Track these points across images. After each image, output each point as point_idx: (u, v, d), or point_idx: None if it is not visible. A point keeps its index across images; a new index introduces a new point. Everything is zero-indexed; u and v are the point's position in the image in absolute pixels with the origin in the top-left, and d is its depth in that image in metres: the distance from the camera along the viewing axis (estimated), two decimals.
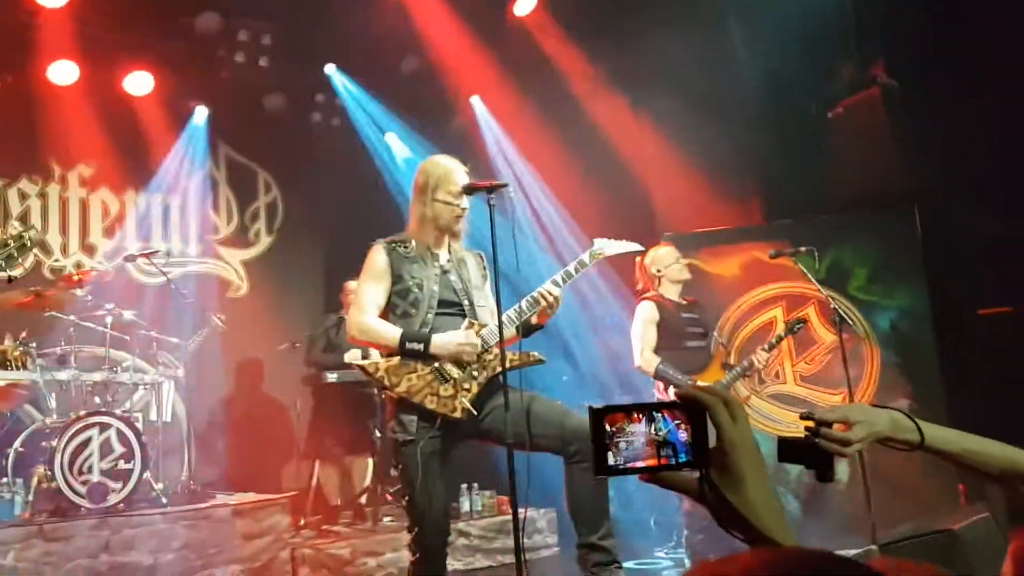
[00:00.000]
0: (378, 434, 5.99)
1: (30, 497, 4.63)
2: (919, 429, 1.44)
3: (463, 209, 3.48)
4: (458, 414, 3.27)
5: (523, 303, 3.40)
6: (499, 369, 3.27)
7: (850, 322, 4.81)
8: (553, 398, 3.54)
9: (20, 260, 2.90)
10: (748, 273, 6.27)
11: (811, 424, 1.38)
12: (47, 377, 5.05)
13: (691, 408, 0.99)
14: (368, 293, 3.41)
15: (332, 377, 6.03)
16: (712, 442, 0.99)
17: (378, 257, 3.45)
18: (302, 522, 5.81)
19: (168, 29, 6.66)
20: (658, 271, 5.08)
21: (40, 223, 6.65)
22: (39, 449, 4.76)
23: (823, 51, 6.22)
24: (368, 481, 6.15)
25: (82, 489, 4.59)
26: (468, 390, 3.31)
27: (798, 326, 5.16)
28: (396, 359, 3.31)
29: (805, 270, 4.85)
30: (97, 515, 4.57)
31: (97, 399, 5.20)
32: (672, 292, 5.07)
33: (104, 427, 4.74)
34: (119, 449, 4.74)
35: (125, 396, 5.43)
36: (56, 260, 6.70)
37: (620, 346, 6.12)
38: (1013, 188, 5.40)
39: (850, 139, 6.25)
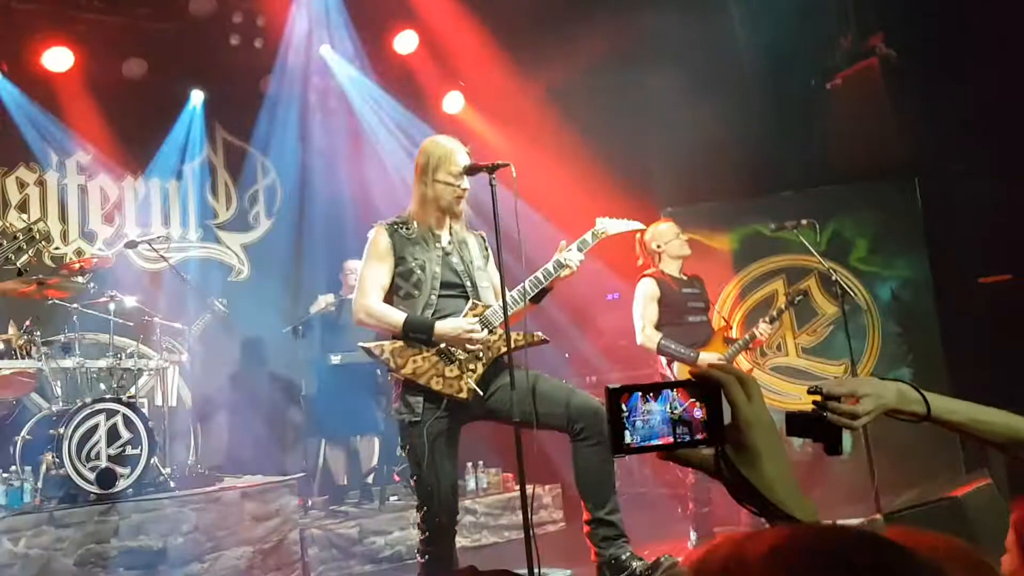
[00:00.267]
0: (382, 415, 6.03)
1: (39, 484, 4.66)
2: (925, 400, 1.45)
3: (464, 189, 3.49)
4: (464, 395, 3.29)
5: (540, 274, 3.42)
6: (503, 350, 3.30)
7: (852, 293, 4.82)
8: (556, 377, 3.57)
9: (29, 252, 2.92)
10: (748, 247, 6.28)
11: (819, 398, 1.39)
12: (52, 365, 5.06)
13: (706, 386, 1.01)
14: (372, 275, 3.43)
15: (336, 358, 6.05)
16: (727, 419, 1.00)
17: (380, 239, 3.46)
18: (309, 503, 5.86)
19: (162, 13, 6.61)
20: (658, 247, 5.08)
21: (39, 211, 6.64)
22: (46, 436, 4.78)
23: (821, 23, 6.20)
24: (375, 461, 6.19)
25: (90, 475, 4.61)
26: (473, 371, 3.33)
27: (798, 298, 5.18)
28: (401, 342, 3.33)
29: (806, 243, 4.86)
30: (106, 501, 4.60)
31: (102, 386, 5.22)
32: (673, 268, 5.07)
33: (111, 413, 4.76)
34: (126, 435, 4.76)
35: (130, 382, 5.44)
36: (56, 248, 6.69)
37: (620, 322, 6.14)
38: (1012, 156, 5.40)
39: (849, 110, 6.23)
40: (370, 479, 6.16)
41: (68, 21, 6.30)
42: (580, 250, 3.51)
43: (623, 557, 3.25)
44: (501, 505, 5.94)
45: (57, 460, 4.59)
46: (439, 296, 3.40)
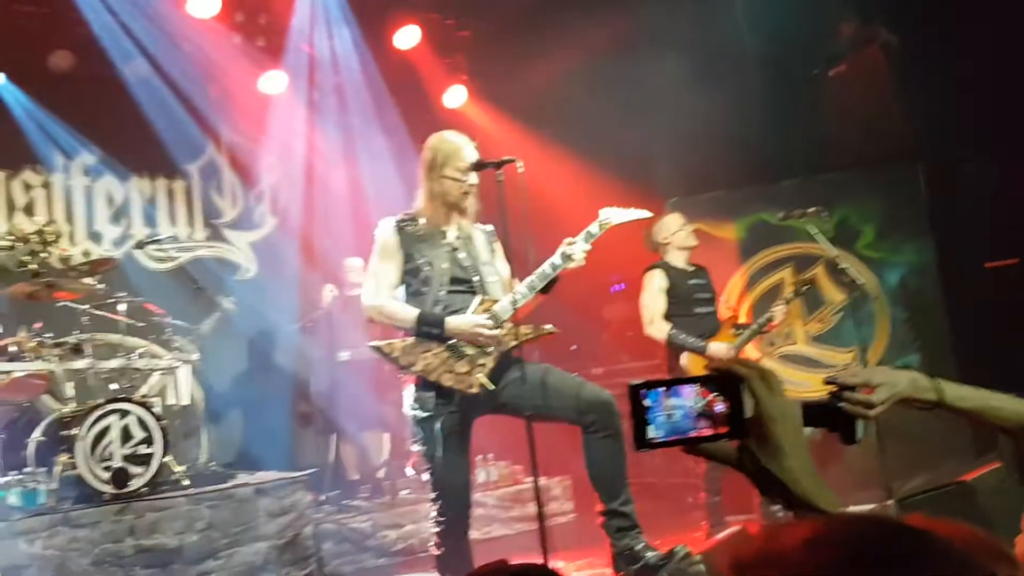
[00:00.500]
0: (390, 411, 6.06)
1: (53, 485, 4.67)
2: (937, 388, 1.47)
3: (471, 185, 3.50)
4: (475, 390, 3.31)
5: (547, 266, 3.42)
6: (513, 343, 3.32)
7: (860, 281, 4.82)
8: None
9: (43, 255, 2.94)
10: (754, 236, 6.28)
11: (835, 388, 1.41)
12: (64, 367, 5.08)
13: (728, 381, 1.03)
14: (381, 273, 3.45)
15: (345, 355, 6.09)
16: (749, 413, 1.02)
17: (388, 236, 3.48)
18: (322, 498, 5.89)
19: (164, 12, 6.62)
20: (664, 238, 5.08)
21: (46, 213, 6.66)
22: (60, 438, 4.80)
23: (823, 10, 6.19)
24: (384, 456, 6.23)
25: (105, 475, 4.63)
26: (483, 365, 3.35)
27: (804, 288, 5.18)
28: (411, 339, 3.35)
29: (815, 231, 4.86)
30: (121, 500, 4.63)
31: (114, 386, 5.24)
32: (679, 259, 5.07)
33: (124, 413, 4.77)
34: (139, 434, 4.78)
35: (141, 382, 5.47)
36: (63, 250, 6.70)
37: (626, 314, 6.16)
38: (1016, 140, 5.39)
39: (853, 97, 6.23)
40: (381, 474, 6.20)
41: (71, 23, 6.30)
42: (586, 241, 3.52)
43: (637, 548, 3.28)
44: (511, 497, 5.98)
45: (71, 461, 4.61)
46: (448, 292, 3.42)
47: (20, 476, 4.70)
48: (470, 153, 3.47)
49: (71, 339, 5.26)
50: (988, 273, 5.72)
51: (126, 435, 4.75)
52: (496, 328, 3.36)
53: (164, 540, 4.61)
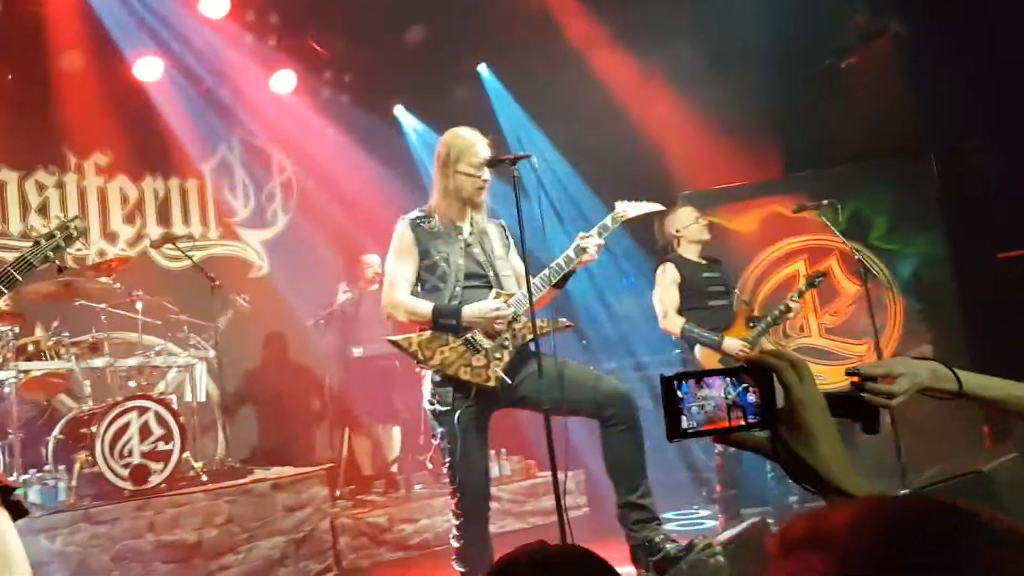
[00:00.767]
0: (403, 405, 6.10)
1: (73, 483, 4.73)
2: (957, 378, 1.50)
3: (485, 181, 3.52)
4: (492, 383, 3.33)
5: (561, 260, 3.44)
6: (529, 337, 3.34)
7: (874, 272, 4.83)
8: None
9: (68, 250, 2.97)
10: (768, 228, 6.27)
11: (856, 379, 1.44)
12: (82, 365, 5.13)
13: (759, 371, 1.05)
14: (398, 270, 3.48)
15: (358, 351, 6.13)
16: (780, 402, 1.04)
17: (404, 234, 3.51)
18: (337, 493, 5.93)
19: (174, 11, 6.65)
20: (677, 232, 5.08)
21: (60, 213, 6.70)
22: (79, 435, 4.85)
23: (835, 1, 6.18)
24: (397, 451, 6.27)
25: (124, 472, 4.68)
26: (500, 359, 3.37)
27: (818, 279, 5.17)
28: (428, 333, 3.37)
29: (828, 223, 4.85)
30: (140, 496, 4.68)
31: (132, 383, 5.29)
32: (692, 252, 5.07)
33: (142, 411, 4.82)
34: (158, 431, 4.83)
35: (159, 379, 5.52)
36: (79, 249, 6.74)
37: (639, 308, 6.17)
38: None
39: (864, 88, 6.22)
40: (394, 468, 6.24)
41: (83, 24, 6.33)
42: (600, 235, 3.53)
43: (657, 539, 3.29)
44: (525, 491, 6.01)
45: (91, 458, 4.66)
46: (464, 288, 3.44)
47: (40, 474, 4.75)
48: (483, 149, 3.49)
49: (89, 337, 5.31)
50: (1001, 263, 5.70)
51: (145, 432, 4.80)
52: (512, 319, 3.39)
53: (184, 535, 4.66)
